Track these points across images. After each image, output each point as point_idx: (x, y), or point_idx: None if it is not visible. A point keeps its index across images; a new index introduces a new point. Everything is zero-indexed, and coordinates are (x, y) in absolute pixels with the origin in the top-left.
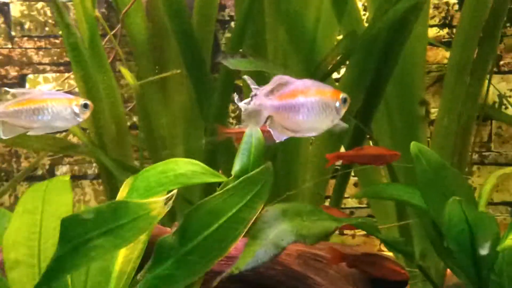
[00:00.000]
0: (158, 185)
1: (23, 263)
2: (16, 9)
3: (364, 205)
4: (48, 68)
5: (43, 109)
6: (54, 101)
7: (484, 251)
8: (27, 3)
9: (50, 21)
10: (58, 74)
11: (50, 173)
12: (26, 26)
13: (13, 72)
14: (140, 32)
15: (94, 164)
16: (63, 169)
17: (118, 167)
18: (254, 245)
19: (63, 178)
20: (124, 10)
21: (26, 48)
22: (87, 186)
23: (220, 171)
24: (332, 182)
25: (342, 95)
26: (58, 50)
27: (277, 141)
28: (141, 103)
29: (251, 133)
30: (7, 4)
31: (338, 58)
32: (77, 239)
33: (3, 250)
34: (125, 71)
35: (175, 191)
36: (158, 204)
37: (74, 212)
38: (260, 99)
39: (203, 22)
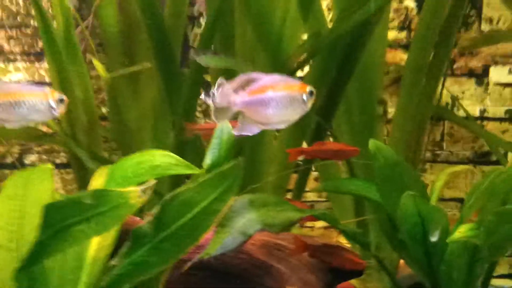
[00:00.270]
0: (135, 176)
1: (2, 247)
2: None
3: (323, 199)
4: (18, 57)
5: (20, 102)
6: (30, 95)
7: (434, 240)
8: None
9: (22, 11)
10: (28, 63)
11: (19, 161)
12: None
13: None
14: (112, 24)
15: (62, 154)
16: (31, 157)
17: (88, 157)
18: (223, 232)
19: (46, 166)
20: (96, 2)
21: None
22: (55, 174)
23: None
24: (294, 176)
25: (308, 88)
26: (29, 40)
27: (249, 134)
28: (111, 95)
29: (222, 128)
30: None
31: (303, 56)
32: (59, 224)
33: None
34: (96, 63)
35: (153, 181)
36: (136, 193)
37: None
38: (229, 95)
39: (174, 17)
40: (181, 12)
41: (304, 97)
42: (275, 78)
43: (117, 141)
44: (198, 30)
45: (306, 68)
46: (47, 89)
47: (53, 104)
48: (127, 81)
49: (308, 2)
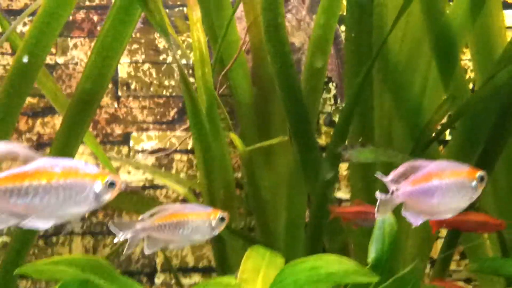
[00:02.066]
0: (309, 282)
1: None
2: (123, 70)
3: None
4: (151, 126)
5: (184, 223)
6: (194, 215)
7: None
8: (134, 64)
9: (155, 82)
10: (160, 132)
11: None
12: (132, 87)
13: (118, 130)
14: (246, 95)
15: None
16: None
17: (227, 231)
18: None
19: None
20: (225, 70)
21: (131, 108)
22: None
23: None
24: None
25: (479, 173)
26: (162, 109)
27: (414, 225)
28: (247, 167)
29: (384, 220)
30: None
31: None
32: None
33: None
34: (234, 137)
35: None
36: None
37: None
38: (391, 187)
39: (311, 90)
40: (318, 85)
41: (474, 183)
42: (441, 164)
43: (252, 209)
44: (325, 95)
45: None
46: (209, 209)
47: (214, 224)
48: (261, 151)
49: (450, 69)
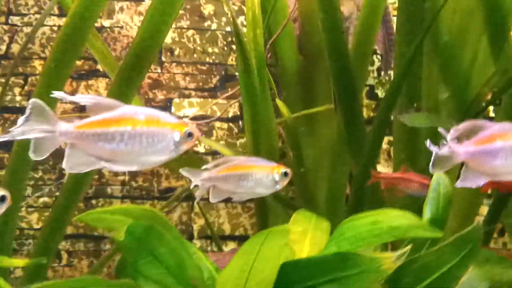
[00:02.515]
0: (370, 236)
1: None
2: (167, 36)
3: None
4: (193, 93)
5: (248, 176)
6: (257, 168)
7: None
8: (179, 30)
9: (198, 48)
10: (202, 99)
11: (187, 195)
12: (176, 53)
13: (160, 95)
14: (291, 64)
15: None
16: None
17: (271, 197)
18: None
19: (284, 227)
20: (274, 36)
21: (174, 73)
22: (221, 208)
23: None
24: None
25: None
26: (204, 76)
27: (472, 187)
28: (291, 135)
29: (439, 181)
30: None
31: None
32: (298, 284)
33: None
34: (280, 103)
35: (408, 247)
36: (390, 259)
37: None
38: (452, 145)
39: (359, 58)
40: (366, 55)
41: None
42: (504, 126)
43: (294, 178)
44: (369, 68)
45: None
46: (273, 163)
47: (277, 178)
48: (305, 120)
49: (500, 42)
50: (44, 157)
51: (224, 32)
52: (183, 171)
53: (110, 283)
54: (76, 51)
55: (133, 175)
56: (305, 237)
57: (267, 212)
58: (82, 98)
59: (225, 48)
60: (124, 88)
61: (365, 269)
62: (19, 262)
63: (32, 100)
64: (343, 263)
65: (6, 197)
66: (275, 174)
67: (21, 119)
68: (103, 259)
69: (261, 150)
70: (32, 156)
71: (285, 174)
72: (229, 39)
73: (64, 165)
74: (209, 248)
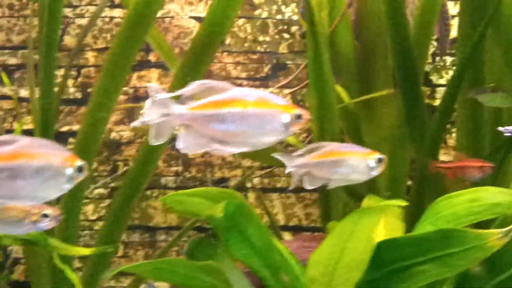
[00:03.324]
0: (469, 214)
1: (316, 281)
2: None
3: None
4: (244, 82)
5: (342, 162)
6: (351, 154)
7: None
8: None
9: (249, 37)
10: (253, 88)
11: (240, 185)
12: (227, 42)
13: None
14: (348, 49)
15: (283, 178)
16: (253, 181)
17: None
18: None
19: (378, 206)
20: (334, 24)
21: (225, 63)
22: (275, 198)
23: None
24: None
25: None
26: (255, 65)
27: None
28: (350, 120)
29: None
30: None
31: None
32: (393, 264)
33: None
34: (340, 89)
35: None
36: (496, 235)
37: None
38: None
39: (419, 43)
40: (427, 38)
41: None
42: None
43: None
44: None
45: None
46: (366, 149)
47: (372, 164)
48: (364, 105)
49: None
50: (163, 142)
51: (275, 20)
52: (277, 155)
53: (195, 264)
54: (140, 41)
55: (187, 165)
56: (378, 222)
57: (329, 197)
58: (194, 85)
59: (276, 37)
60: (189, 77)
61: (470, 247)
62: (85, 250)
63: (150, 84)
64: (446, 241)
65: (83, 167)
66: (370, 160)
67: (147, 104)
68: (164, 248)
69: (325, 136)
70: (153, 141)
71: (380, 160)
72: (280, 27)
73: (179, 145)
74: None
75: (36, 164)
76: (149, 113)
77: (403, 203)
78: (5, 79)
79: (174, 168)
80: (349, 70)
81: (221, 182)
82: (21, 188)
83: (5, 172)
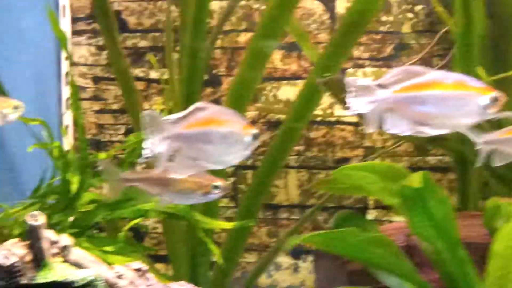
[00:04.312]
0: None
1: (498, 254)
2: (341, 6)
3: None
4: (367, 62)
5: None
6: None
7: None
8: None
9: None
10: (376, 69)
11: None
12: None
13: None
14: (480, 28)
15: (405, 158)
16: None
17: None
18: None
19: None
20: None
21: None
22: None
23: None
24: None
25: None
26: (378, 45)
27: None
28: None
29: None
30: (333, 0)
31: None
32: None
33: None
34: (480, 69)
35: None
36: None
37: None
38: None
39: None
40: None
41: None
42: None
43: None
44: None
45: None
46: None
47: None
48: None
49: None
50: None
51: (398, 0)
52: (466, 132)
53: (367, 235)
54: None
55: (308, 145)
56: None
57: (468, 180)
58: (395, 71)
59: (400, 16)
60: (337, 56)
61: None
62: (227, 224)
63: (349, 78)
64: None
65: (258, 135)
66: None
67: (350, 96)
68: (297, 226)
69: None
70: (369, 129)
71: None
72: (404, 6)
73: (385, 127)
74: (384, 218)
75: (224, 131)
76: (357, 103)
77: None
78: (153, 60)
79: (296, 147)
80: (481, 49)
81: (343, 161)
82: (210, 152)
83: (200, 136)
